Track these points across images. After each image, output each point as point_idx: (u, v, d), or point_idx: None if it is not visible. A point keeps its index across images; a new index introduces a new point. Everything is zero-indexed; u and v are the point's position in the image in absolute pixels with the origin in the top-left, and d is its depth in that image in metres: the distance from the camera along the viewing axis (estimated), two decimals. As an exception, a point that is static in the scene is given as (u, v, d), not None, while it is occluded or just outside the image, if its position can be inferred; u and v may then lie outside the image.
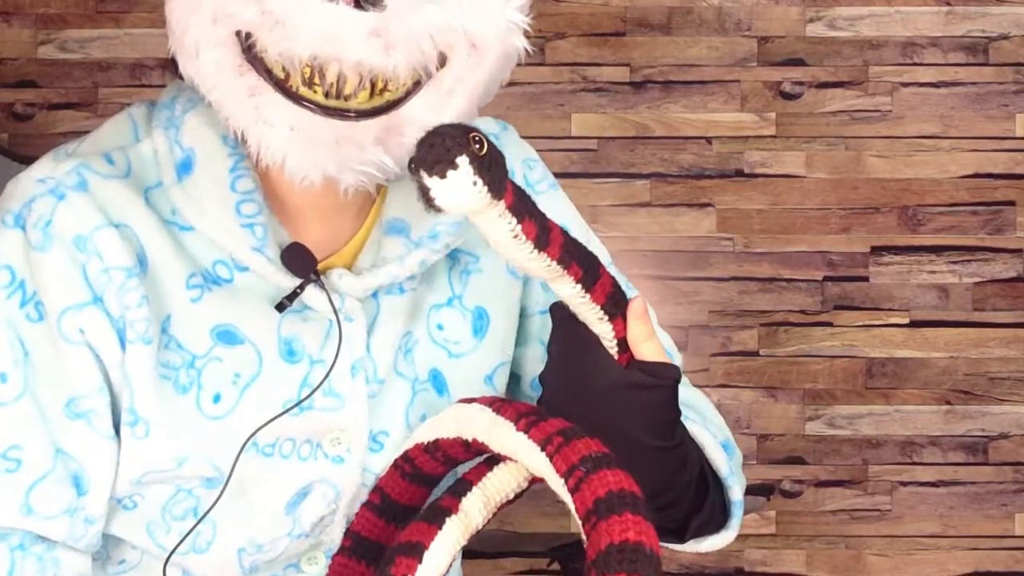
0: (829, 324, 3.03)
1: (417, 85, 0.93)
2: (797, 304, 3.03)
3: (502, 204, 0.80)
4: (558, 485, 0.78)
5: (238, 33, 0.91)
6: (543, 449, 0.79)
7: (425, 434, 0.93)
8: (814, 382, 3.03)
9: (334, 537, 1.03)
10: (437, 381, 1.06)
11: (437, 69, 0.92)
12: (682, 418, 0.96)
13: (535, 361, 1.13)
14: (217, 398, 0.97)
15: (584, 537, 0.73)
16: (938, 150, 3.04)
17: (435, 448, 0.91)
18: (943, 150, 3.04)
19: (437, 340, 1.06)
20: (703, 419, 1.07)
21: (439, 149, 0.76)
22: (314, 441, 1.01)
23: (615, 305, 0.90)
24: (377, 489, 0.96)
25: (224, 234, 0.97)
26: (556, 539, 2.86)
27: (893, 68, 3.04)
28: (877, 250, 3.03)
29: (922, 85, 3.04)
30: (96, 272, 0.95)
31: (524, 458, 0.82)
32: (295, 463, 1.00)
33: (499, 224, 0.81)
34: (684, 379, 1.04)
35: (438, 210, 0.78)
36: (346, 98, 0.91)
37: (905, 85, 3.04)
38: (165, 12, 0.95)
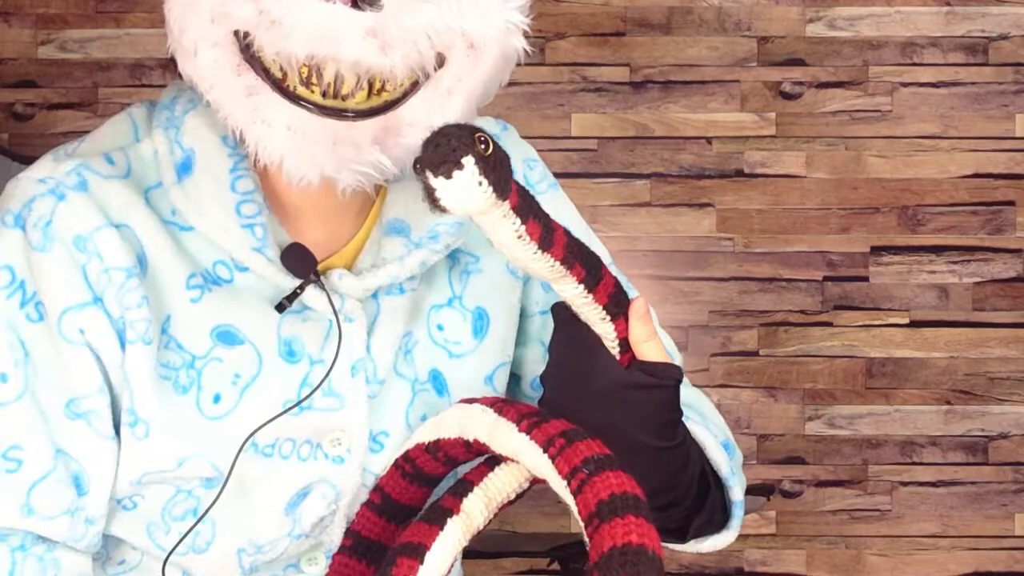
0: (829, 324, 3.03)
1: (415, 85, 0.93)
2: (797, 304, 3.03)
3: (507, 204, 0.80)
4: (560, 487, 0.77)
5: (236, 33, 0.91)
6: (545, 451, 0.79)
7: (426, 434, 0.93)
8: (814, 382, 3.03)
9: (334, 537, 1.03)
10: (437, 381, 1.05)
11: (435, 69, 0.92)
12: (683, 418, 0.96)
13: (535, 361, 1.13)
14: (217, 398, 0.97)
15: (586, 538, 0.73)
16: (938, 150, 3.04)
17: (436, 448, 0.91)
18: (943, 150, 3.04)
19: (437, 340, 1.06)
20: (703, 419, 1.07)
21: (445, 149, 0.76)
22: (314, 441, 1.00)
23: (617, 305, 0.90)
24: (378, 489, 0.96)
25: (224, 234, 0.97)
26: (556, 539, 2.86)
27: (893, 68, 3.04)
28: (877, 250, 3.03)
29: (922, 85, 3.04)
30: (96, 272, 0.94)
31: (526, 459, 0.82)
32: (295, 463, 1.00)
33: (503, 224, 0.81)
34: (684, 379, 1.04)
35: (443, 210, 0.77)
36: (343, 98, 0.90)
37: (905, 85, 3.04)
38: (164, 12, 0.95)
